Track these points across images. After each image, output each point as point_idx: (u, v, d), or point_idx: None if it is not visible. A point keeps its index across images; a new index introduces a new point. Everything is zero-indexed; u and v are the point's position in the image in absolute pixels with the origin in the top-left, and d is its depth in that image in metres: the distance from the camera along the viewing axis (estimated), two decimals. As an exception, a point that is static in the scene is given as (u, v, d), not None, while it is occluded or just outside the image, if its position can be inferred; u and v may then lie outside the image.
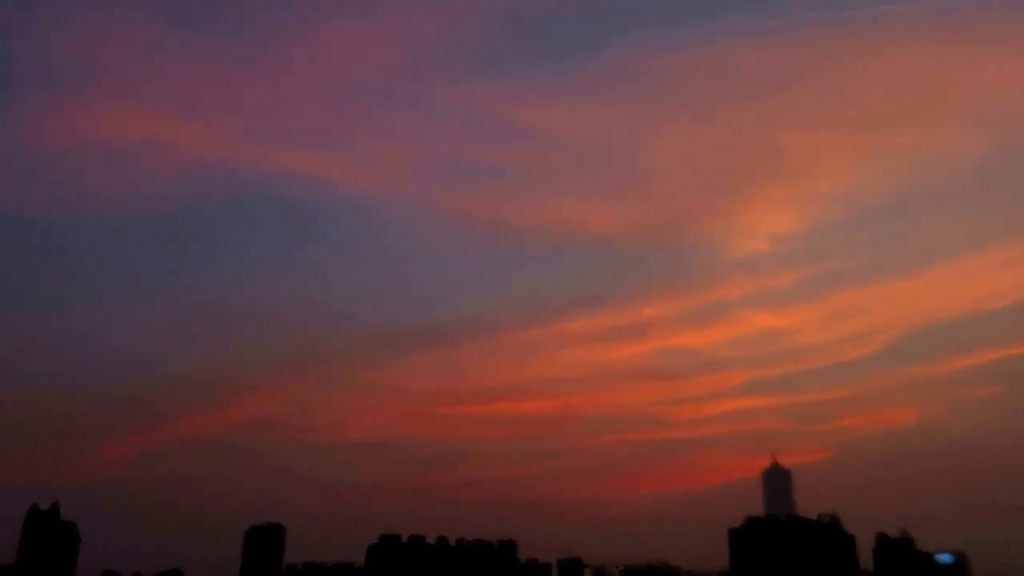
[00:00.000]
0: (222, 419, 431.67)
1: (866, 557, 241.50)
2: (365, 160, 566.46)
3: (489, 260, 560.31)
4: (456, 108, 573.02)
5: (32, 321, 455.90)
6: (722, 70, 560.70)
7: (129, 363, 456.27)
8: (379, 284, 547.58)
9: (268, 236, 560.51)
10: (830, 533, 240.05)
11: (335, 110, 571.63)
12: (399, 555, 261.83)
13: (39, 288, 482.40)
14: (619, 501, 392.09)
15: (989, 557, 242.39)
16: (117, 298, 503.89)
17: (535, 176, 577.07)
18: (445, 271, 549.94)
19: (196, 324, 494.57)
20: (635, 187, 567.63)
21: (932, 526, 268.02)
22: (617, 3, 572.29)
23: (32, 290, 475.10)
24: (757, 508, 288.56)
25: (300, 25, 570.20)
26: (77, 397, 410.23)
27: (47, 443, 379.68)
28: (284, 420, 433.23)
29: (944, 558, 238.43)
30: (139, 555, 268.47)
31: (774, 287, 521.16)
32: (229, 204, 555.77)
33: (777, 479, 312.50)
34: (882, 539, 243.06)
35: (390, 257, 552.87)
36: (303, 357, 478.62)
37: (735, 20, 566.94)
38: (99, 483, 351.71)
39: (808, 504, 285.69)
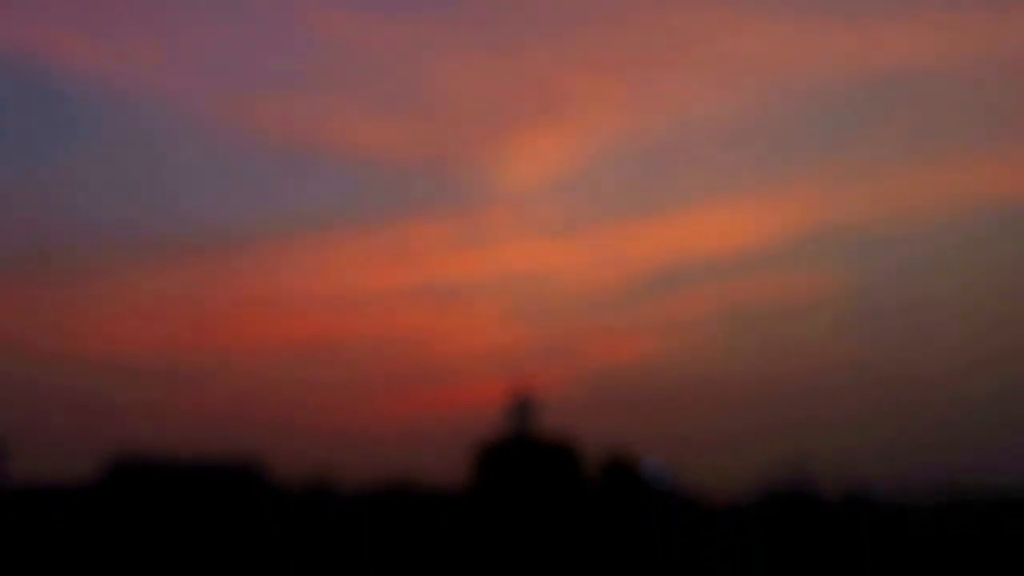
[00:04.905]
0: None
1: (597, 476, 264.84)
2: (127, 50, 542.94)
3: (257, 170, 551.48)
4: (236, 3, 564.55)
5: None
6: (526, 5, 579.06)
7: None
8: (133, 188, 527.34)
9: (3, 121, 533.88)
10: (561, 452, 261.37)
11: None
12: (134, 477, 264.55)
13: None
14: (374, 424, 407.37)
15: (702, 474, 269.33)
16: None
17: (314, 85, 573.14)
18: (209, 179, 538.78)
19: None
20: (417, 108, 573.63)
21: (658, 449, 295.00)
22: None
23: None
24: (503, 431, 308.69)
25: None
26: None
27: None
28: (9, 329, 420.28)
29: (651, 463, 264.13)
30: None
31: (541, 220, 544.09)
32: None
33: (522, 405, 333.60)
34: (608, 457, 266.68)
35: (148, 160, 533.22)
36: (38, 262, 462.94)
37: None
38: None
39: (550, 429, 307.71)
